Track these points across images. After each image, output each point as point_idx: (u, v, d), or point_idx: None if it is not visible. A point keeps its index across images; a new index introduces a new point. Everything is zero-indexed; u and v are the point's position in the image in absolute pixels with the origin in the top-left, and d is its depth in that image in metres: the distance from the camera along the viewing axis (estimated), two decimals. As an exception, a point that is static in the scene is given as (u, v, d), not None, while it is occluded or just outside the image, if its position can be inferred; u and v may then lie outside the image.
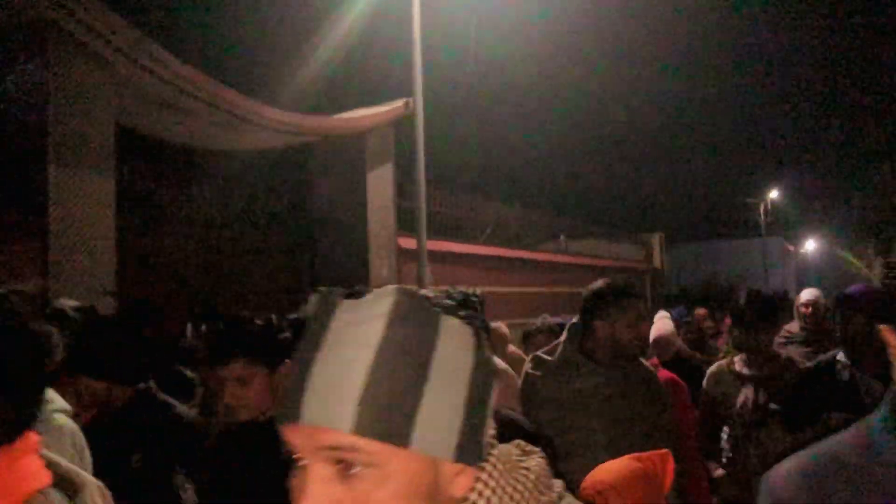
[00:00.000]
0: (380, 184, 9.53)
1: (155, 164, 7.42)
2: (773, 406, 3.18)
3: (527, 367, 2.75)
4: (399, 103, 9.56)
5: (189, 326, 7.48)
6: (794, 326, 5.18)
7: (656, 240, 21.91)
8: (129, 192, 6.95)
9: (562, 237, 16.33)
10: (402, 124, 9.64)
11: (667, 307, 20.01)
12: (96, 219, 5.66)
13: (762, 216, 38.68)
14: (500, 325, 5.21)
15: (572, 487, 1.42)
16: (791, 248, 49.29)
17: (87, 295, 5.49)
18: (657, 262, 21.60)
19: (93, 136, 5.65)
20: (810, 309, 5.06)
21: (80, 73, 5.52)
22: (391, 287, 0.76)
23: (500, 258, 12.55)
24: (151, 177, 7.38)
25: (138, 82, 6.00)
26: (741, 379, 3.31)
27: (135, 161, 7.04)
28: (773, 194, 40.75)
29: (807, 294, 5.40)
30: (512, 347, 6.25)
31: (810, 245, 53.53)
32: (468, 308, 0.81)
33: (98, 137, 5.69)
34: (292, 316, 5.30)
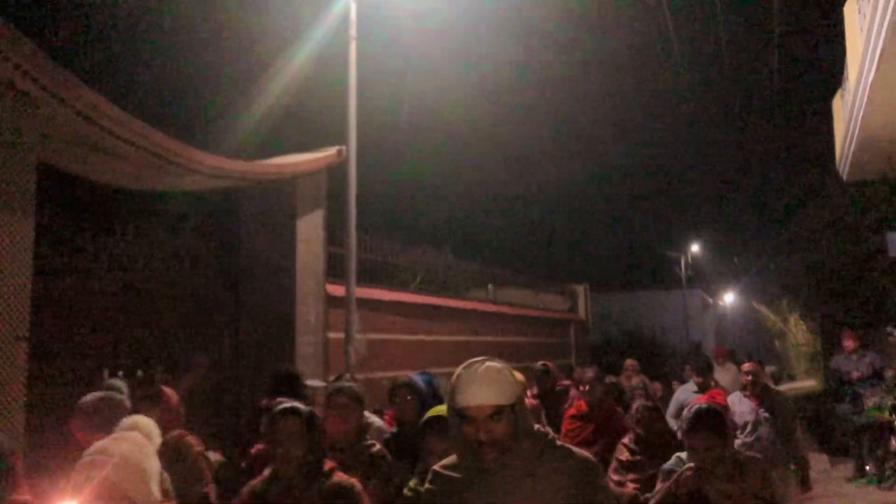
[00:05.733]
0: (309, 230, 9.46)
1: (78, 205, 7.21)
2: None
3: None
4: (332, 150, 9.57)
5: (105, 372, 7.26)
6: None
7: (581, 290, 22.28)
8: (49, 233, 6.72)
9: (490, 286, 16.45)
10: (335, 171, 9.65)
11: (591, 356, 20.23)
12: (12, 259, 5.44)
13: (683, 269, 39.80)
14: None
15: None
16: (710, 300, 50.72)
17: (-1, 339, 5.25)
18: (582, 312, 21.93)
19: (12, 174, 5.46)
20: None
21: (1, 109, 5.35)
22: None
23: (429, 306, 12.56)
24: (73, 217, 7.17)
25: (63, 121, 5.85)
26: None
27: (56, 201, 6.83)
28: (694, 248, 42.06)
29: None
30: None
31: (729, 298, 55.28)
32: None
33: (18, 175, 5.50)
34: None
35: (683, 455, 3.64)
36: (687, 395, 7.14)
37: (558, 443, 2.37)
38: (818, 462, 11.34)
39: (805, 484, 6.15)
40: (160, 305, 8.13)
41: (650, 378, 10.18)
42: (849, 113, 10.10)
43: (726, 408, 6.50)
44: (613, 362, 9.90)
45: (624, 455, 4.73)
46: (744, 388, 6.36)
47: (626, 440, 4.85)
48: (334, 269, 9.80)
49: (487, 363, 2.36)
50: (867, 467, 9.85)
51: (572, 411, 6.13)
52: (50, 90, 5.48)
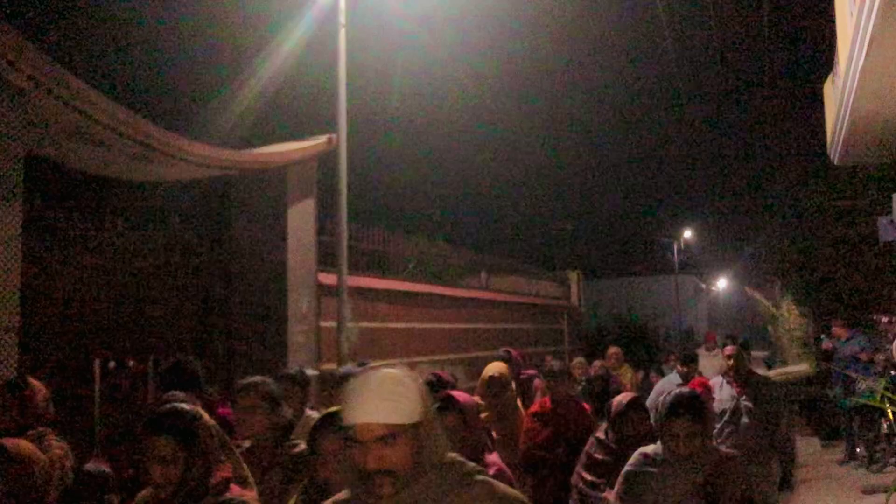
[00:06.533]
0: (301, 219, 9.44)
1: (67, 195, 7.17)
2: None
3: None
4: (322, 139, 9.53)
5: (96, 363, 7.24)
6: None
7: (574, 277, 22.31)
8: (39, 224, 6.69)
9: (483, 273, 16.45)
10: (325, 160, 9.61)
11: (584, 343, 20.17)
12: (1, 250, 5.42)
13: (675, 255, 39.88)
14: None
15: None
16: (703, 286, 50.88)
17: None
18: (574, 298, 21.97)
19: (0, 165, 5.43)
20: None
21: (-12, 100, 5.31)
22: None
23: (422, 294, 12.56)
24: (63, 208, 7.13)
25: (51, 112, 5.81)
26: None
27: (45, 191, 6.80)
28: (686, 234, 42.15)
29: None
30: None
31: (721, 283, 55.52)
32: None
33: (5, 165, 5.47)
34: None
35: (649, 450, 3.28)
36: (671, 388, 6.87)
37: (479, 476, 1.91)
38: (809, 445, 11.43)
39: (786, 483, 5.53)
40: (151, 295, 8.11)
41: (635, 367, 10.05)
42: (839, 98, 10.09)
43: (710, 396, 6.08)
44: (606, 349, 9.85)
45: (599, 453, 4.21)
46: (726, 373, 5.87)
47: (600, 434, 4.29)
48: (326, 258, 9.79)
49: (386, 370, 1.88)
50: (858, 450, 9.92)
51: (535, 408, 5.50)
52: (36, 79, 5.45)
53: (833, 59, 11.53)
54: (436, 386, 4.56)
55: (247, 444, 3.50)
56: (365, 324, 10.50)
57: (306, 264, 9.50)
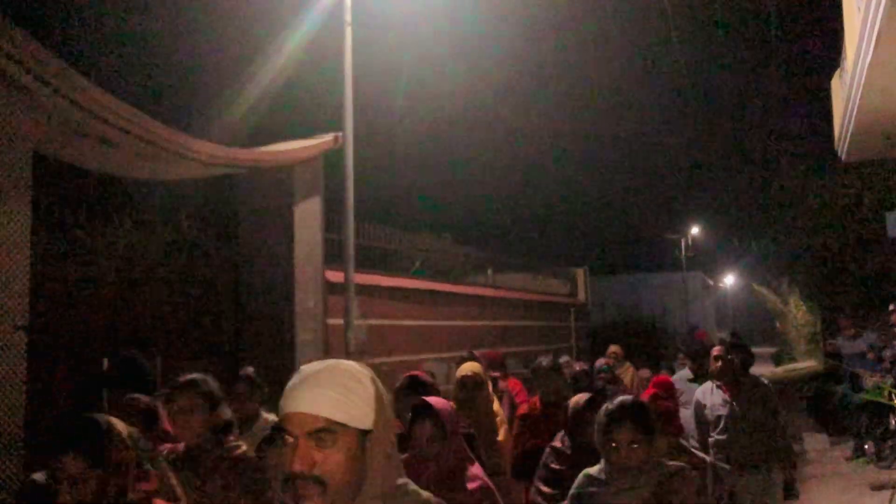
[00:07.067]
0: (307, 217, 9.45)
1: (75, 194, 7.20)
2: None
3: None
4: (328, 137, 9.54)
5: (105, 361, 7.27)
6: None
7: (581, 274, 22.29)
8: (47, 223, 6.72)
9: (489, 271, 16.45)
10: (332, 158, 9.63)
11: (590, 340, 20.15)
12: (10, 249, 5.44)
13: (682, 251, 39.79)
14: None
15: None
16: (711, 282, 50.75)
17: (-3, 330, 5.26)
18: (581, 295, 21.94)
19: (8, 164, 5.44)
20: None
21: (-4, 99, 5.33)
22: None
23: (428, 291, 12.57)
24: (71, 207, 7.16)
25: (58, 111, 5.83)
26: None
27: (54, 190, 6.82)
28: (694, 230, 42.07)
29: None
30: None
31: (729, 280, 55.41)
32: None
33: (13, 165, 5.49)
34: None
35: (593, 470, 3.04)
36: (682, 385, 6.50)
37: None
38: (817, 442, 11.42)
39: (791, 491, 5.23)
40: (159, 294, 8.14)
41: (640, 365, 9.96)
42: (847, 94, 10.06)
43: (673, 396, 5.76)
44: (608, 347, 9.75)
45: (555, 463, 3.86)
46: (715, 376, 5.38)
47: (557, 443, 3.94)
48: (333, 256, 9.81)
49: (342, 361, 1.61)
50: (866, 447, 9.90)
51: (524, 409, 5.16)
52: (42, 79, 5.47)
53: (840, 55, 11.48)
54: (411, 389, 4.16)
55: (181, 446, 3.28)
56: (372, 321, 10.52)
57: (313, 262, 9.52)
